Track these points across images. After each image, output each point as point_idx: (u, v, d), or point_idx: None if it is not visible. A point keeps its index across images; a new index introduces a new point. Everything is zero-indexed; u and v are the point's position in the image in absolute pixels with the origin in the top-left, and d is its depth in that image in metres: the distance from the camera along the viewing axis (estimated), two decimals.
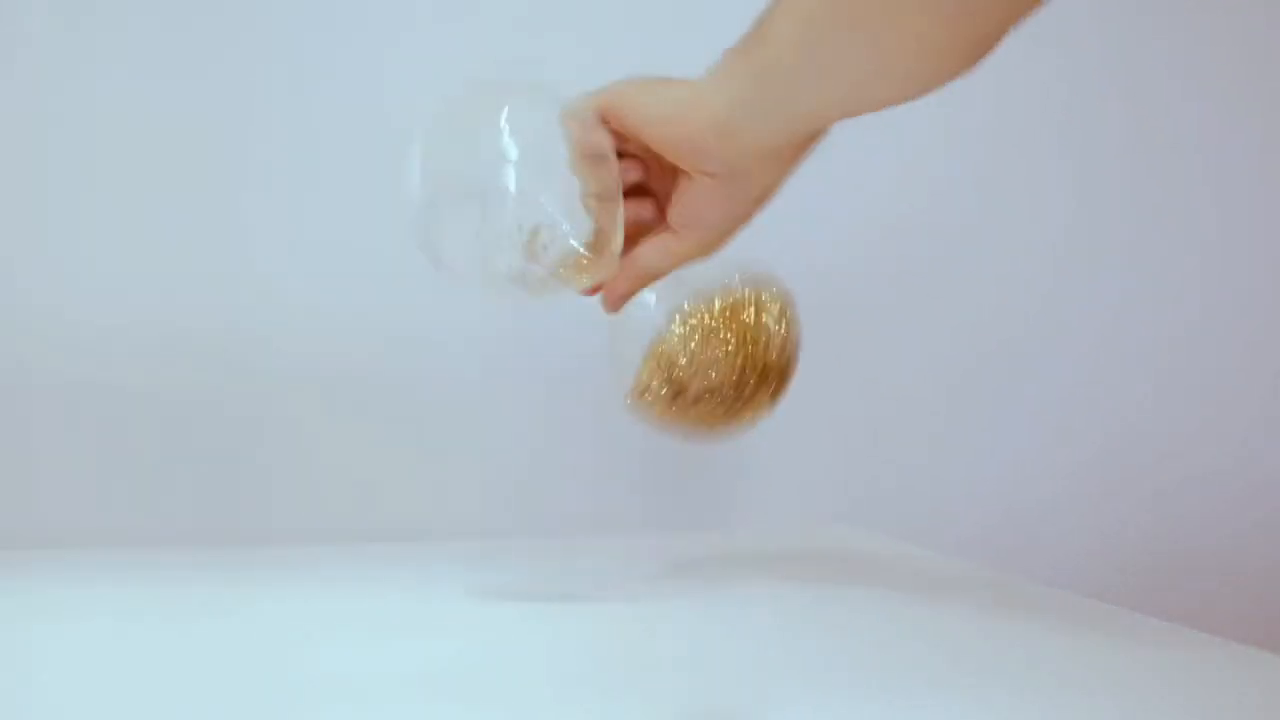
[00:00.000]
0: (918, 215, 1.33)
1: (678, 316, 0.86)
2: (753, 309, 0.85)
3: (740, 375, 0.85)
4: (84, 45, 1.20)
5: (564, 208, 0.78)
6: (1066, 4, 0.80)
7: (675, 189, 0.78)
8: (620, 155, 0.79)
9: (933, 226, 1.34)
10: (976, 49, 0.69)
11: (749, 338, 0.85)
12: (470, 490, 1.24)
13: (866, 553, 1.09)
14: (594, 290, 0.81)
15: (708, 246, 0.80)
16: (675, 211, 0.79)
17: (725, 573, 0.94)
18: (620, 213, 0.79)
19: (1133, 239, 1.39)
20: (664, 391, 0.85)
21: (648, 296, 0.84)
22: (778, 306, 0.85)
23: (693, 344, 0.85)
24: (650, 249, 0.80)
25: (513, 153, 0.77)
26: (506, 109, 0.77)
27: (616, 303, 0.81)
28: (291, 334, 1.22)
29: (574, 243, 0.77)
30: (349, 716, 0.62)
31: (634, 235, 0.80)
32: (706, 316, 0.86)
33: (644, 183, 0.81)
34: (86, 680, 0.69)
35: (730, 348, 0.85)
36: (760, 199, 0.79)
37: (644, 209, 0.81)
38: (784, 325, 0.86)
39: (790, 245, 1.23)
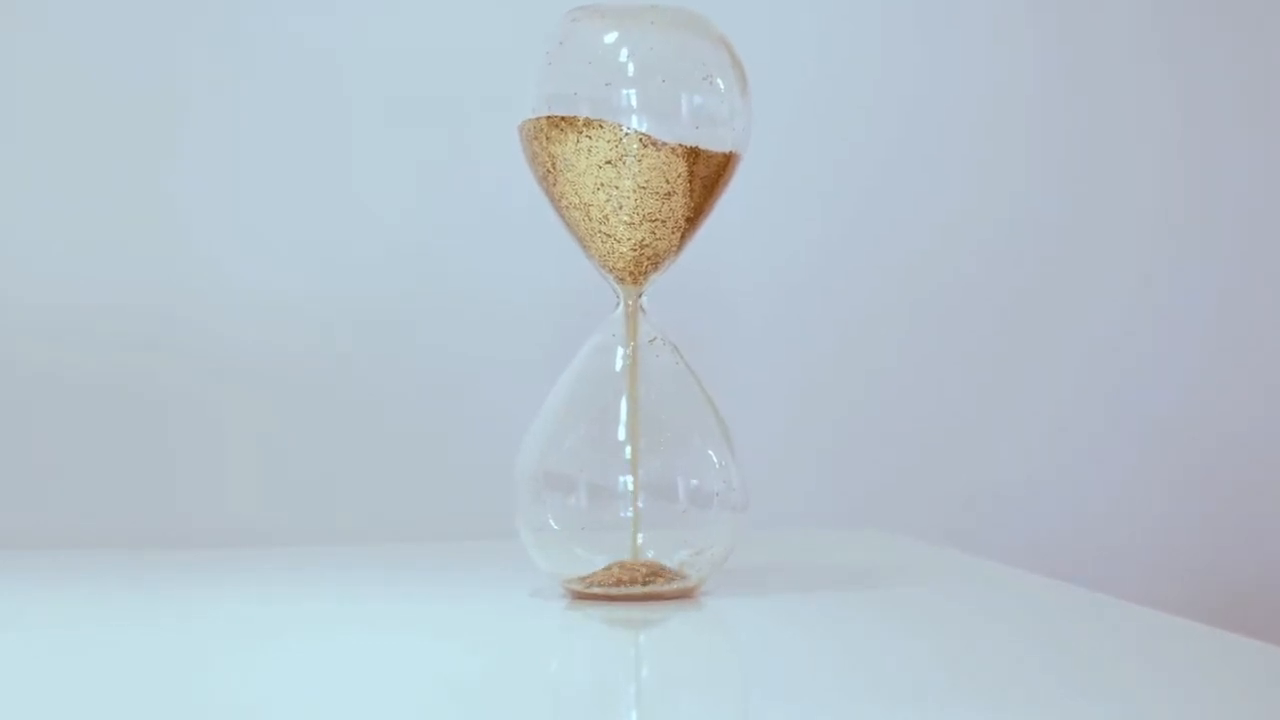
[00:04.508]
0: (946, 218, 1.32)
1: None
2: None
3: None
4: (6, 13, 1.17)
5: None
6: None
7: None
8: None
9: (956, 231, 1.33)
10: None
11: None
12: (431, 487, 1.21)
13: (900, 555, 1.07)
14: None
15: None
16: None
17: (753, 576, 0.90)
18: None
19: (1163, 236, 1.36)
20: None
21: None
22: None
23: None
24: None
25: None
26: None
27: None
28: (233, 318, 1.20)
29: None
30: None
31: None
32: None
33: None
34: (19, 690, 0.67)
35: None
36: None
37: None
38: None
39: (818, 246, 1.28)
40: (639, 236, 0.82)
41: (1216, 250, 1.34)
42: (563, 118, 0.81)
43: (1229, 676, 0.67)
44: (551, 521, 0.82)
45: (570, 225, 0.84)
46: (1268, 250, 1.34)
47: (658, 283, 0.85)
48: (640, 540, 0.82)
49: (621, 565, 0.82)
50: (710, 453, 0.83)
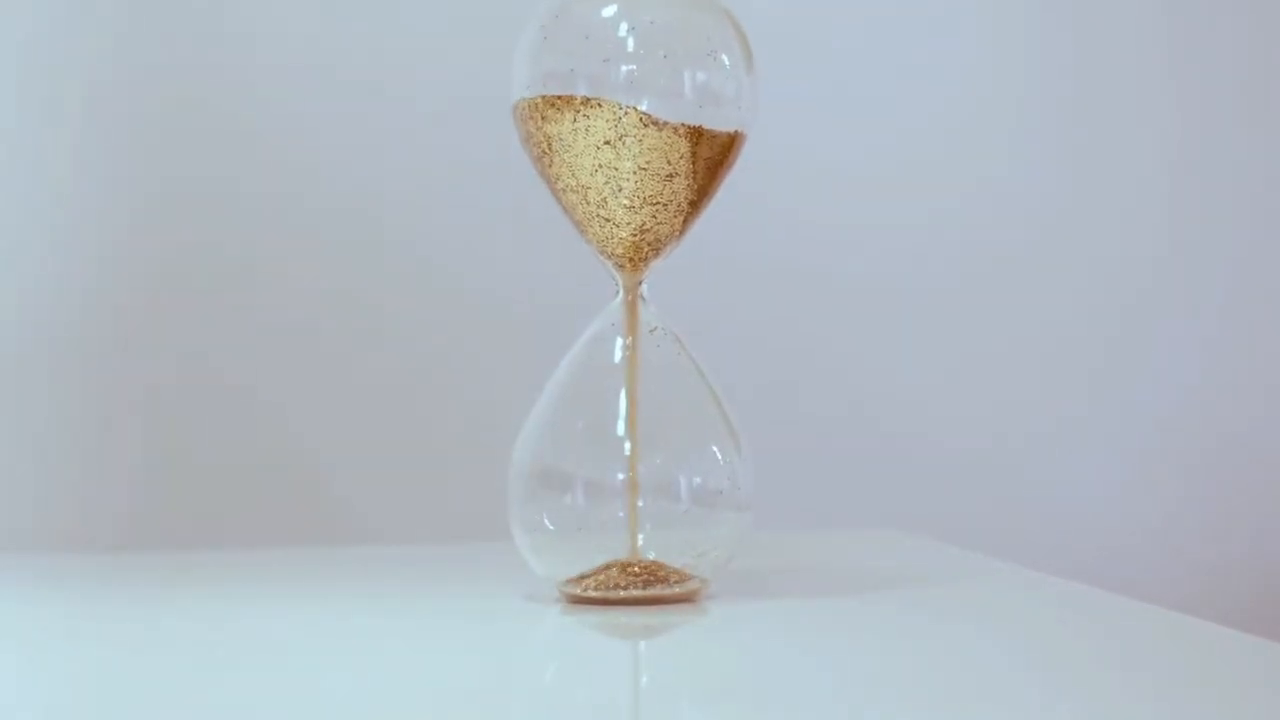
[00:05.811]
0: (952, 210, 1.33)
1: None
2: None
3: None
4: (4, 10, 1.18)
5: None
6: None
7: None
8: None
9: (960, 225, 1.34)
10: None
11: None
12: (423, 487, 1.22)
13: (908, 555, 1.07)
14: None
15: None
16: None
17: (758, 578, 0.89)
18: None
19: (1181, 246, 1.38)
20: None
21: None
22: None
23: None
24: None
25: None
26: None
27: None
28: (229, 316, 1.20)
29: None
30: None
31: None
32: None
33: None
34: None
35: None
36: None
37: None
38: None
39: (825, 231, 1.29)
40: (639, 221, 0.80)
41: (1216, 250, 1.35)
42: (559, 96, 0.79)
43: (1229, 676, 0.67)
44: (547, 521, 0.80)
45: (567, 209, 0.82)
46: (1268, 250, 1.36)
47: (659, 269, 0.83)
48: (640, 541, 0.80)
49: (620, 567, 0.81)
50: (714, 449, 0.81)
